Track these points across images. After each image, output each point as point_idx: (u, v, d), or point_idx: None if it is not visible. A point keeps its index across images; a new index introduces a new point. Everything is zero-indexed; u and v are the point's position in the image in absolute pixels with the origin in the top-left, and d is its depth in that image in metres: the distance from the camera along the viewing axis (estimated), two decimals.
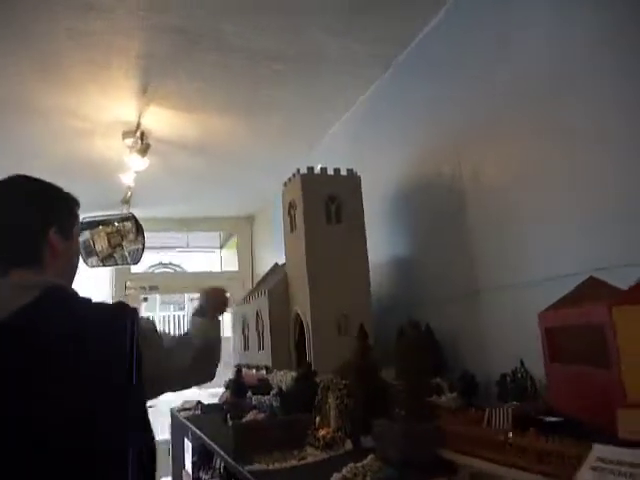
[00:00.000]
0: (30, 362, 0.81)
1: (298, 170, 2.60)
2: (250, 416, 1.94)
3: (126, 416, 0.85)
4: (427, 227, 2.56)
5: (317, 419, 1.64)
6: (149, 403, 0.98)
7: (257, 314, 2.89)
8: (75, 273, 1.10)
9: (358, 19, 2.46)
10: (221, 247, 6.94)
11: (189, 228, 5.94)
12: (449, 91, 2.39)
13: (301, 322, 2.54)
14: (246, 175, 4.47)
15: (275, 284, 2.76)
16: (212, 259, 7.29)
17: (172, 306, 10.07)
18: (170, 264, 8.23)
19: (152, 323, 1.11)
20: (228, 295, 1.42)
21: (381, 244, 2.81)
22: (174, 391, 1.18)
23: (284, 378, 2.28)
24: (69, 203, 1.10)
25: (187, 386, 1.20)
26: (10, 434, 0.78)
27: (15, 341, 0.82)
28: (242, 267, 6.05)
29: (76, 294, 0.99)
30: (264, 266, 5.31)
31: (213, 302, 1.33)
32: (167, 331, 1.38)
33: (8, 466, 0.77)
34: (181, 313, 10.25)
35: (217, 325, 1.32)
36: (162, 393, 1.11)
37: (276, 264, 3.46)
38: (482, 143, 2.19)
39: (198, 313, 1.31)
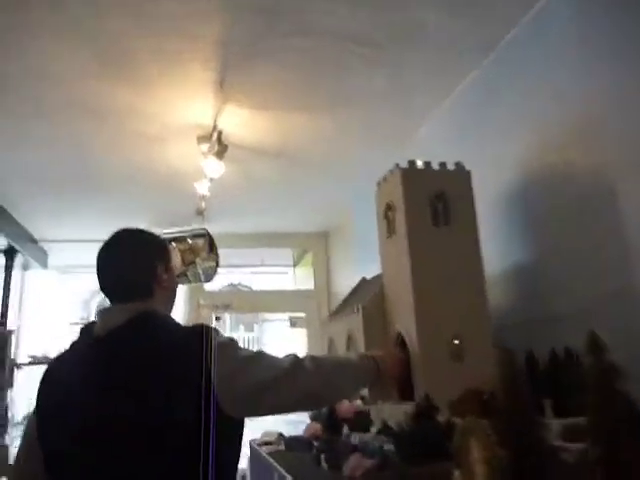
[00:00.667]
0: (116, 373, 0.99)
1: (397, 165, 2.21)
2: (354, 461, 1.53)
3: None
4: (557, 228, 2.09)
5: (456, 474, 1.22)
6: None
7: (348, 334, 2.50)
8: (175, 298, 1.25)
9: None
10: (294, 265, 6.64)
11: (262, 244, 5.67)
12: (571, 66, 1.95)
13: (402, 344, 2.12)
14: (323, 184, 4.14)
15: (370, 299, 2.36)
16: (283, 280, 7.01)
17: (242, 326, 9.88)
18: (240, 284, 8.03)
19: (231, 339, 1.12)
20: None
21: (495, 251, 2.35)
22: (262, 412, 1.12)
23: (393, 412, 1.86)
24: (164, 243, 1.27)
25: (271, 409, 1.12)
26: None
27: (107, 354, 1.02)
28: (318, 286, 5.71)
29: (166, 317, 1.14)
30: (341, 284, 4.96)
31: (385, 366, 1.44)
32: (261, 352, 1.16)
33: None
34: (251, 334, 10.04)
35: (352, 381, 1.36)
36: (250, 410, 1.08)
37: (364, 279, 3.07)
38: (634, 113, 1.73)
39: (361, 359, 1.41)
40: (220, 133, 2.84)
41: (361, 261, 4.30)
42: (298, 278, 6.54)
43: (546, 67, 2.15)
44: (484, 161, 2.32)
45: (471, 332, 2.07)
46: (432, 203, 2.18)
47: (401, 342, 2.13)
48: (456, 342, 2.05)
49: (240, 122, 2.97)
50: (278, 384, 1.06)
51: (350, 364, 1.37)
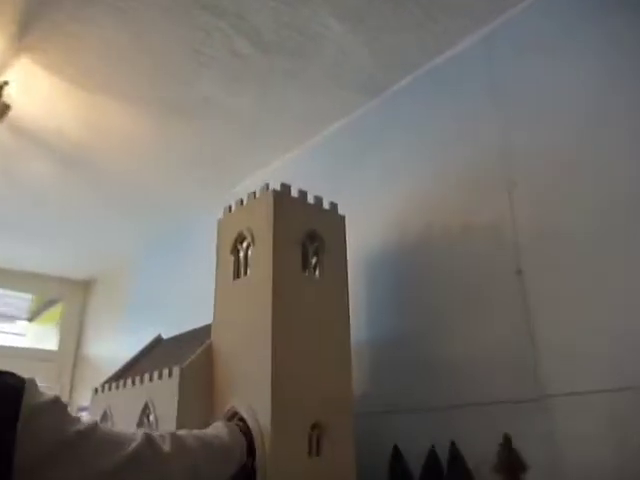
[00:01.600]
0: None
1: (267, 185, 1.69)
2: None
3: None
4: (445, 297, 1.78)
5: None
6: None
7: (144, 407, 1.73)
8: None
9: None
10: (31, 318, 5.24)
11: None
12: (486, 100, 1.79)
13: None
14: (105, 212, 3.29)
15: (193, 361, 1.68)
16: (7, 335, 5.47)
17: None
18: None
19: (55, 399, 0.76)
20: None
21: (362, 316, 1.94)
22: None
23: None
24: None
25: None
26: None
27: None
28: (64, 347, 4.51)
29: None
30: (99, 347, 3.96)
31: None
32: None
33: None
34: None
35: (226, 468, 1.23)
36: None
37: (159, 337, 2.34)
38: (548, 170, 1.58)
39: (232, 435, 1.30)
40: (5, 84, 1.95)
41: (138, 320, 3.47)
42: (32, 335, 5.15)
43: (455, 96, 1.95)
44: (358, 211, 1.94)
45: (332, 418, 1.56)
46: (303, 242, 1.70)
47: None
48: (315, 431, 1.51)
49: (34, 89, 2.12)
50: (120, 476, 0.79)
51: (223, 444, 1.23)
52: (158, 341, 2.32)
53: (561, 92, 1.66)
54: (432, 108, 2.02)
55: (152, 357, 2.14)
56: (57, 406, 0.77)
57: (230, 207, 1.84)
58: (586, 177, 1.54)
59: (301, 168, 2.42)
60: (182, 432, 1.23)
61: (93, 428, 0.80)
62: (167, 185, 2.92)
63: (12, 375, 0.73)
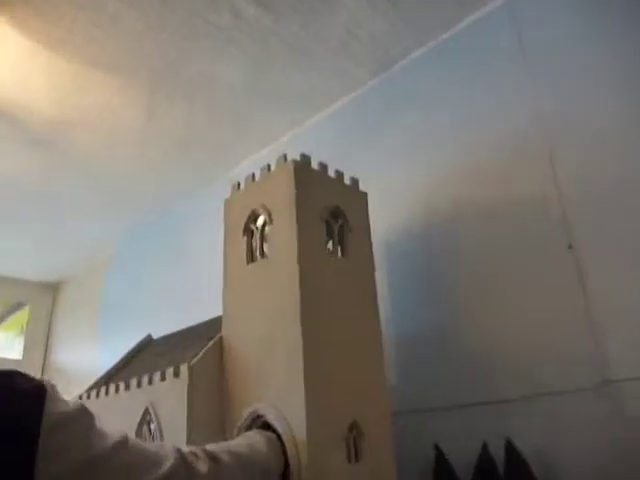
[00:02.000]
0: None
1: (284, 156, 1.49)
2: None
3: None
4: (483, 281, 1.61)
5: None
6: None
7: (145, 415, 1.50)
8: None
9: None
10: None
11: None
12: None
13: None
14: (83, 204, 3.01)
15: (202, 357, 1.45)
16: None
17: None
18: None
19: (84, 410, 0.71)
20: None
21: (386, 305, 1.74)
22: None
23: None
24: None
25: None
26: None
27: None
28: (29, 354, 4.15)
29: None
30: (69, 355, 3.65)
31: None
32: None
33: None
34: None
35: None
36: None
37: (149, 337, 2.10)
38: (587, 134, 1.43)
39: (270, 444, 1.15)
40: None
41: (116, 324, 3.19)
42: None
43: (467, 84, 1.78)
44: (376, 188, 1.74)
45: (370, 417, 1.36)
46: (327, 220, 1.49)
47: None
48: (353, 433, 1.31)
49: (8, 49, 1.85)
50: None
51: (262, 459, 1.09)
52: (148, 341, 2.08)
53: (594, 50, 1.52)
54: (455, 76, 1.85)
55: (144, 359, 1.89)
56: (84, 417, 0.70)
57: (239, 184, 1.62)
58: (628, 140, 1.40)
59: (308, 145, 2.21)
60: (215, 447, 1.05)
61: (123, 444, 0.74)
62: (151, 171, 2.66)
63: (26, 377, 0.64)
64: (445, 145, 1.78)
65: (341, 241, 1.52)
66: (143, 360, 1.87)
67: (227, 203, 1.64)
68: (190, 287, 2.72)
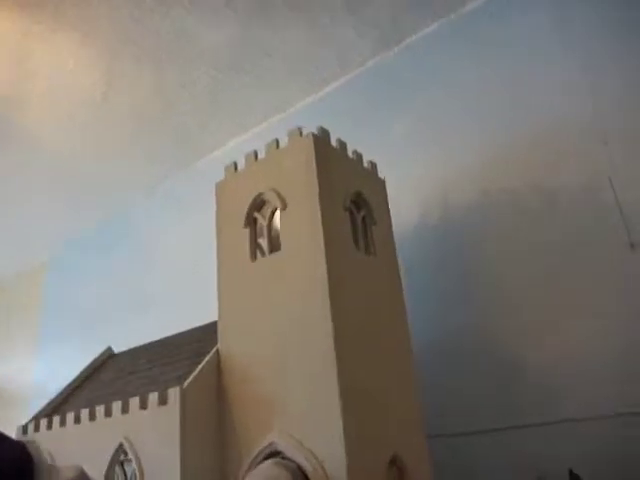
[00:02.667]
0: None
1: (300, 129, 1.22)
2: None
3: None
4: (525, 285, 1.39)
5: None
6: None
7: (118, 451, 1.18)
8: None
9: None
10: None
11: None
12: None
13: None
14: (25, 197, 2.59)
15: (196, 379, 1.15)
16: None
17: None
18: None
19: None
20: None
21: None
22: None
23: None
24: None
25: None
26: None
27: None
28: None
29: None
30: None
31: None
32: None
33: None
34: None
35: None
36: None
37: (109, 350, 1.76)
38: None
39: None
40: None
41: (59, 335, 2.77)
42: None
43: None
44: (390, 174, 1.50)
45: (408, 448, 1.11)
46: (351, 210, 1.24)
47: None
48: (393, 469, 1.05)
49: None
50: None
51: None
52: (109, 356, 1.73)
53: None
54: (484, 51, 1.63)
55: (108, 378, 1.55)
56: None
57: (235, 164, 1.34)
58: None
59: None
60: None
61: None
62: (106, 158, 2.30)
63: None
64: (470, 128, 1.56)
65: (365, 236, 1.26)
66: (107, 380, 1.53)
67: (220, 188, 1.35)
68: (150, 291, 2.38)
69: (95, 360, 1.70)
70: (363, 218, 1.28)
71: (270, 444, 1.04)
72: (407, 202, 1.59)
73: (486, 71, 1.60)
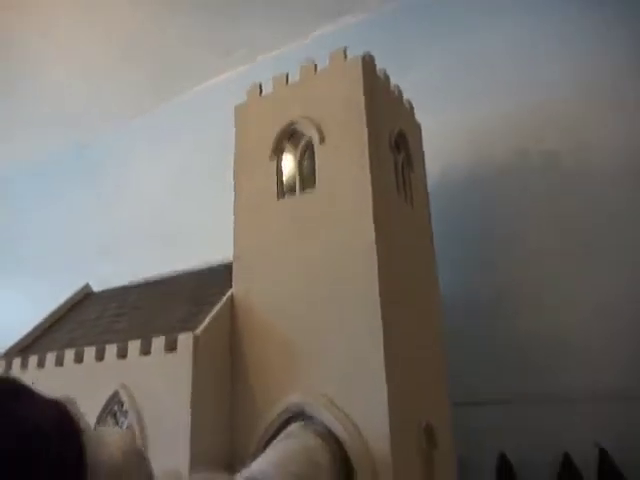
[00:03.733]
0: None
1: (345, 50, 1.06)
2: None
3: None
4: (558, 245, 1.31)
5: None
6: None
7: (112, 400, 1.04)
8: None
9: None
10: None
11: None
12: None
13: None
14: None
15: (210, 324, 1.01)
16: None
17: None
18: None
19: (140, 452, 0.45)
20: None
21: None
22: None
23: None
24: None
25: None
26: None
27: None
28: None
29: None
30: None
31: None
32: None
33: None
34: None
35: None
36: None
37: (88, 289, 1.58)
38: None
39: None
40: None
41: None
42: None
43: None
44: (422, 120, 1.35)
45: (438, 416, 1.02)
46: (394, 152, 1.10)
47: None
48: (426, 441, 0.96)
49: None
50: None
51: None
52: (86, 296, 1.55)
53: None
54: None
55: (89, 319, 1.38)
56: (142, 470, 0.43)
57: (260, 86, 1.17)
58: None
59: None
60: (272, 470, 0.72)
61: None
62: (82, 84, 2.04)
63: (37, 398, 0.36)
64: (514, 78, 1.43)
65: (404, 182, 1.14)
66: (89, 320, 1.37)
67: (240, 112, 1.18)
68: (114, 229, 2.18)
69: (71, 298, 1.52)
70: (403, 162, 1.14)
71: (296, 405, 0.93)
72: (435, 152, 1.45)
73: (534, 21, 1.46)
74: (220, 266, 1.20)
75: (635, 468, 1.05)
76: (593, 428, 1.12)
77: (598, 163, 1.29)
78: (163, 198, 2.12)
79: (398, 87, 1.20)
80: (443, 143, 1.43)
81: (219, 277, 1.16)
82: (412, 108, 1.26)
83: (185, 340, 0.96)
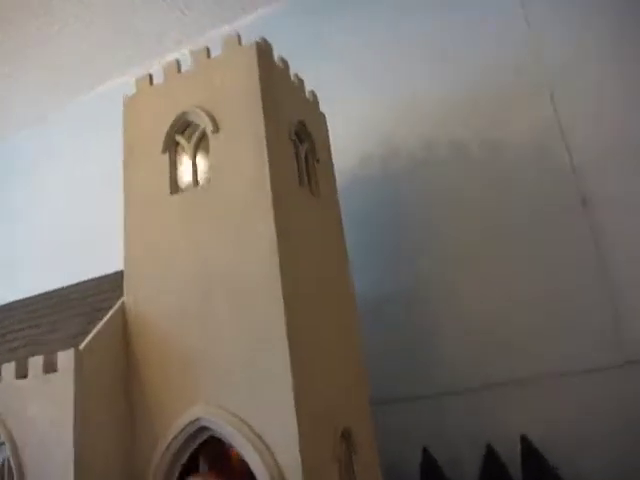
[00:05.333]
0: None
1: (239, 37, 0.99)
2: None
3: None
4: (468, 237, 1.30)
5: None
6: None
7: None
8: None
9: None
10: None
11: None
12: None
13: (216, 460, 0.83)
14: None
15: (98, 335, 0.90)
16: None
17: None
18: None
19: None
20: None
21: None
22: None
23: None
24: None
25: None
26: None
27: None
28: None
29: None
30: None
31: None
32: None
33: None
34: None
35: None
36: None
37: None
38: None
39: None
40: None
41: None
42: None
43: None
44: (329, 110, 1.30)
45: (355, 418, 0.96)
46: (295, 141, 1.04)
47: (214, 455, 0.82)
48: (343, 446, 0.90)
49: None
50: None
51: None
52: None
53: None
54: None
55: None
56: None
57: (151, 77, 1.07)
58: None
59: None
60: None
61: None
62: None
63: None
64: (424, 68, 1.41)
65: (308, 173, 1.08)
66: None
67: (130, 104, 1.07)
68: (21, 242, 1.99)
69: None
70: (306, 153, 1.08)
71: (195, 420, 0.84)
72: (345, 143, 1.39)
73: (443, 15, 1.45)
74: (117, 273, 1.09)
75: (556, 451, 1.05)
76: (514, 416, 1.12)
77: (508, 149, 1.29)
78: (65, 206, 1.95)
79: (298, 77, 1.14)
80: (353, 134, 1.39)
81: (115, 286, 1.05)
82: (316, 98, 1.20)
83: (66, 358, 0.85)
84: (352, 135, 1.39)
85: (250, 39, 0.99)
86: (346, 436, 0.90)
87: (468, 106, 1.34)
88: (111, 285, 1.09)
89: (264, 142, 0.90)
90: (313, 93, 1.20)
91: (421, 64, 1.41)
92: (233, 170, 0.92)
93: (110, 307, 0.99)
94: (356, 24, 1.56)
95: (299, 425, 0.77)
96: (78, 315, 1.05)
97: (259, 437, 0.78)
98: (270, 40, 1.03)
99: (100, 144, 1.85)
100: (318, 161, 1.11)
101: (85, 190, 1.88)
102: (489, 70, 1.34)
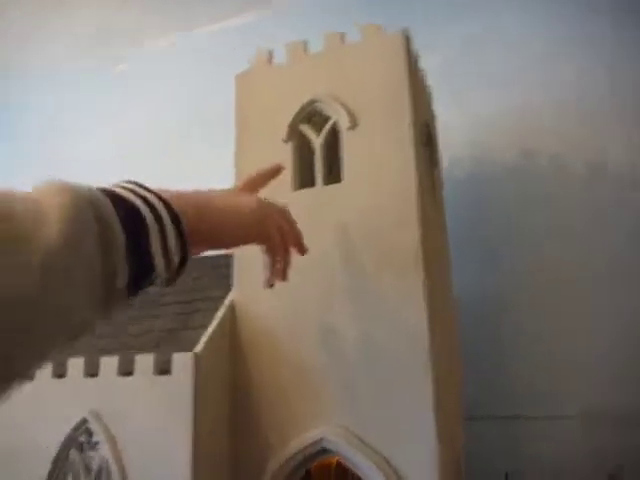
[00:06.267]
0: None
1: (380, 25, 0.90)
2: None
3: None
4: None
5: None
6: None
7: (79, 427, 0.83)
8: None
9: None
10: None
11: None
12: None
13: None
14: None
15: (212, 338, 0.83)
16: None
17: None
18: None
19: None
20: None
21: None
22: None
23: None
24: None
25: None
26: None
27: None
28: None
29: None
30: None
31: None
32: None
33: None
34: None
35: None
36: None
37: None
38: None
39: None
40: None
41: None
42: None
43: None
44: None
45: (459, 440, 0.92)
46: (424, 139, 0.97)
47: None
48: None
49: None
50: None
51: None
52: None
53: None
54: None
55: None
56: None
57: (270, 53, 0.98)
58: None
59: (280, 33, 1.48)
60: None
61: None
62: None
63: None
64: (526, 71, 1.32)
65: (431, 178, 1.00)
66: None
67: (243, 82, 0.98)
68: None
69: None
70: (430, 156, 1.01)
71: (319, 440, 0.78)
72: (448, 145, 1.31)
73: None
74: (211, 256, 1.01)
75: None
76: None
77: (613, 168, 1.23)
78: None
79: (422, 69, 1.05)
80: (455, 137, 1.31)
81: (210, 270, 0.97)
82: (431, 96, 1.12)
83: (182, 361, 0.78)
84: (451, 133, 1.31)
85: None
86: (459, 464, 0.86)
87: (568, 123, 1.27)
88: (197, 269, 1.00)
89: (412, 146, 0.83)
90: (430, 90, 1.12)
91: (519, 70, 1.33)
92: (371, 173, 0.84)
93: (205, 301, 0.91)
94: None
95: (439, 466, 0.72)
96: (167, 304, 0.97)
97: (395, 471, 0.73)
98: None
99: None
100: (436, 165, 1.04)
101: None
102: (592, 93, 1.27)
